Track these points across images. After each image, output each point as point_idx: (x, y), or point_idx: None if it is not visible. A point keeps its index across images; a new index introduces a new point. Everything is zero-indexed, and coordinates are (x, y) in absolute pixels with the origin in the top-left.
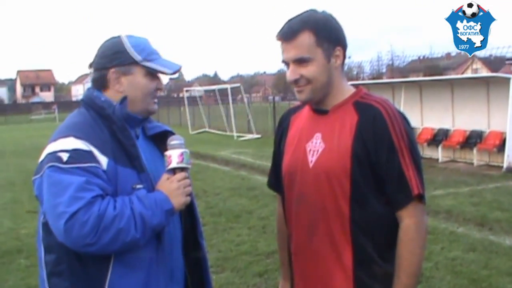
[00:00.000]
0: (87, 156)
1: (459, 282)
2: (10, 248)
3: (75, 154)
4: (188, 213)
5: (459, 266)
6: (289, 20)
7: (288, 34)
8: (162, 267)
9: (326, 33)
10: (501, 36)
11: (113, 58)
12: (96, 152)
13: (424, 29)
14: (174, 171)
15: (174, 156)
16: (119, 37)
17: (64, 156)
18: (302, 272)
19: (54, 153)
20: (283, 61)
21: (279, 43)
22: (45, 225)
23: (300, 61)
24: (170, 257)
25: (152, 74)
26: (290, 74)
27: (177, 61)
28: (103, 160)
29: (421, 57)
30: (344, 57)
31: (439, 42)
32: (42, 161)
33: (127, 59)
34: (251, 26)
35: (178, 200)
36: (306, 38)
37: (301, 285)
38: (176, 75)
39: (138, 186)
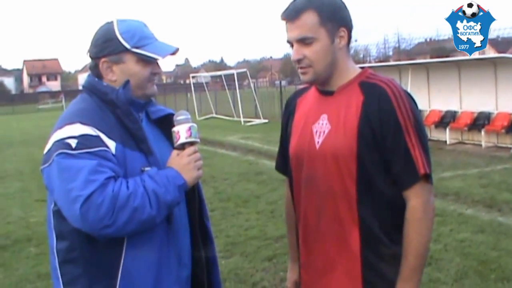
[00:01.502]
0: (96, 140)
1: (468, 264)
2: (20, 237)
3: (84, 140)
4: (194, 196)
5: (468, 248)
6: (294, 0)
7: (291, 13)
8: (172, 249)
9: (330, 13)
10: (508, 17)
11: (104, 47)
12: (103, 137)
13: (431, 11)
14: (183, 146)
15: (182, 131)
16: (111, 23)
17: (73, 143)
18: (309, 254)
19: (62, 140)
20: (288, 41)
21: (283, 22)
22: (57, 213)
23: (303, 41)
24: (177, 241)
25: (145, 60)
26: (294, 54)
27: (174, 44)
28: (111, 144)
29: (428, 40)
30: (350, 38)
31: (446, 24)
32: (49, 150)
33: (117, 47)
34: (256, 11)
35: (190, 175)
36: (309, 18)
37: (309, 267)
38: (181, 61)
39: (147, 169)
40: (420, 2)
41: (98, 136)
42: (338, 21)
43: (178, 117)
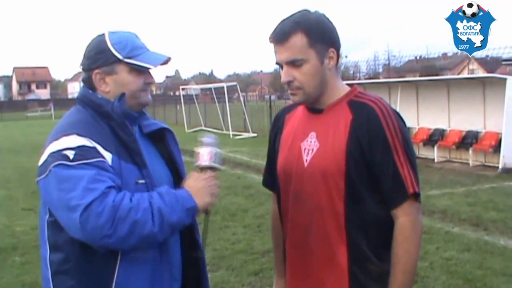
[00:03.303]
0: (93, 152)
1: (454, 282)
2: (5, 246)
3: (81, 151)
4: None
5: (454, 266)
6: (281, 21)
7: (280, 36)
8: (165, 263)
9: (319, 34)
10: (497, 37)
11: (96, 59)
12: (100, 149)
13: (421, 29)
14: (203, 169)
15: (203, 154)
16: (103, 35)
17: (70, 154)
18: (296, 270)
19: (59, 151)
20: (277, 63)
21: (272, 45)
22: (52, 224)
23: (293, 63)
24: (169, 254)
25: (138, 69)
26: (284, 76)
27: (166, 53)
28: (108, 156)
29: (418, 57)
30: (338, 57)
31: (436, 42)
32: (45, 161)
33: (110, 58)
34: (247, 24)
35: (203, 200)
36: (298, 40)
37: (295, 283)
38: (171, 73)
39: (141, 181)
40: (411, 19)
41: (94, 148)
42: (327, 41)
43: (205, 138)
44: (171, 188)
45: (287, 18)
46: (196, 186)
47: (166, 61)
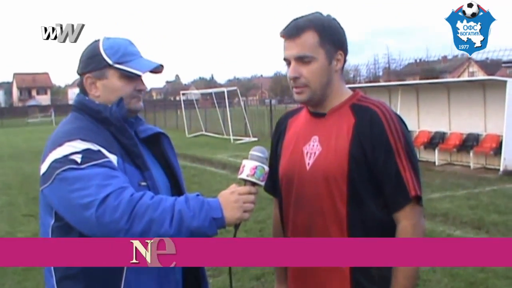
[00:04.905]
0: (99, 154)
1: (456, 285)
2: None
3: (88, 154)
4: None
5: (456, 269)
6: (295, 19)
7: (292, 31)
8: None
9: (330, 35)
10: (497, 40)
11: (88, 63)
12: (105, 151)
13: (421, 32)
14: (244, 182)
15: (247, 167)
16: (98, 40)
17: (78, 158)
18: (298, 275)
19: (64, 157)
20: (285, 59)
21: (282, 40)
22: (58, 229)
23: (302, 59)
24: None
25: (128, 76)
26: (291, 71)
27: (159, 61)
28: (113, 158)
29: (418, 60)
30: (345, 61)
31: (436, 45)
32: (49, 168)
33: (100, 63)
34: (247, 29)
35: (232, 214)
36: (310, 37)
37: None
38: (172, 78)
39: (143, 184)
40: (411, 22)
41: (99, 151)
42: (336, 44)
43: (253, 151)
44: (168, 191)
45: (301, 16)
46: (228, 198)
47: (157, 68)
